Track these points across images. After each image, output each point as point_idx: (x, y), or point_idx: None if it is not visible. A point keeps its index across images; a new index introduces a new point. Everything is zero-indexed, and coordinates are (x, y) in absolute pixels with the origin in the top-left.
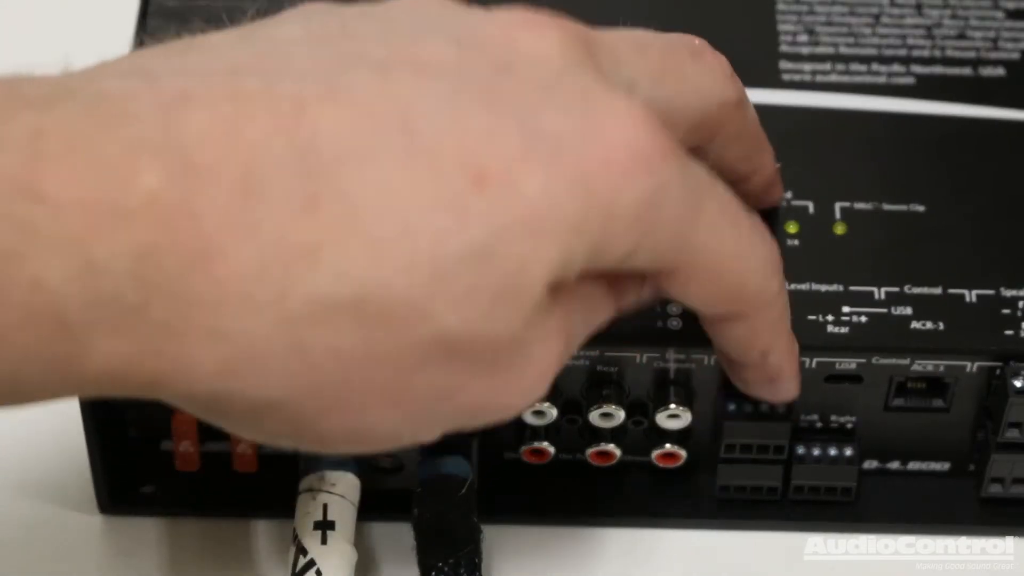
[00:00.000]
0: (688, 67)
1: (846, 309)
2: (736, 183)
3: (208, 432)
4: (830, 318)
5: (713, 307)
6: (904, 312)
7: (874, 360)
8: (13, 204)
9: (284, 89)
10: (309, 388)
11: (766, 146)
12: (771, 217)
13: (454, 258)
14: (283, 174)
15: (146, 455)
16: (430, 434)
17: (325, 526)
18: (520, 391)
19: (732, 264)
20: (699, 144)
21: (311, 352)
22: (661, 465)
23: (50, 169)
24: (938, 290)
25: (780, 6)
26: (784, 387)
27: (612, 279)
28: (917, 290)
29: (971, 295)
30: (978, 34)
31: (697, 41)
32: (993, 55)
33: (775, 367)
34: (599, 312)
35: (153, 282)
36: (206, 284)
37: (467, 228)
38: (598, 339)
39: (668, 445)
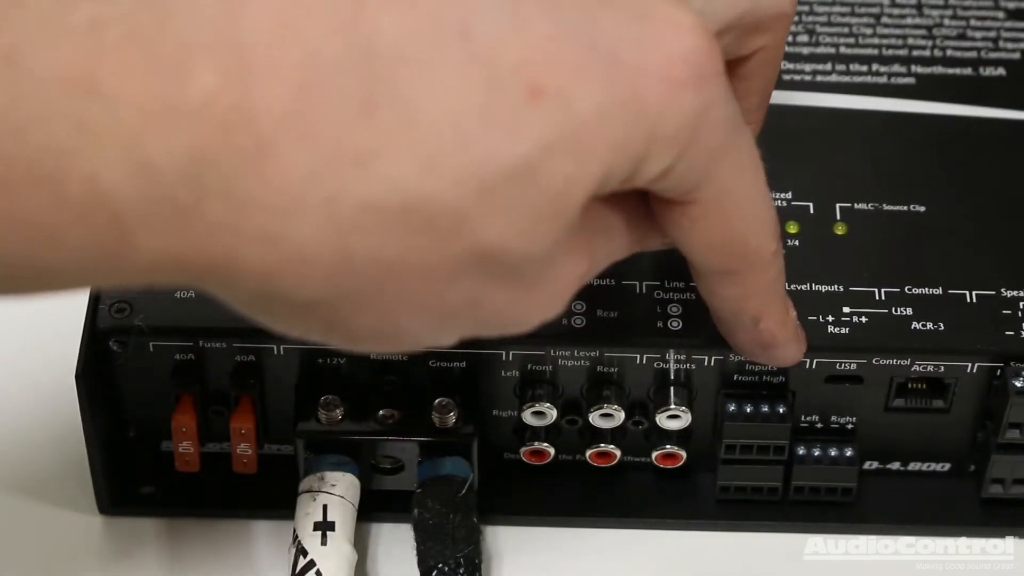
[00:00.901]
0: None
1: (846, 309)
2: None
3: (208, 432)
4: (830, 318)
5: (712, 255)
6: (904, 312)
7: (874, 360)
8: (72, 101)
9: None
10: (348, 291)
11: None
12: None
13: (503, 173)
14: (341, 75)
15: (146, 455)
16: (449, 339)
17: (325, 526)
18: (540, 306)
19: (744, 210)
20: (736, 55)
21: (354, 258)
22: (661, 465)
23: (108, 63)
24: (938, 290)
25: None
26: (779, 354)
27: (631, 217)
28: (917, 290)
29: (971, 295)
30: (978, 34)
31: None
32: (993, 55)
33: (768, 334)
34: (619, 244)
35: (207, 183)
36: (259, 186)
37: (518, 143)
38: (598, 339)
39: (668, 445)
